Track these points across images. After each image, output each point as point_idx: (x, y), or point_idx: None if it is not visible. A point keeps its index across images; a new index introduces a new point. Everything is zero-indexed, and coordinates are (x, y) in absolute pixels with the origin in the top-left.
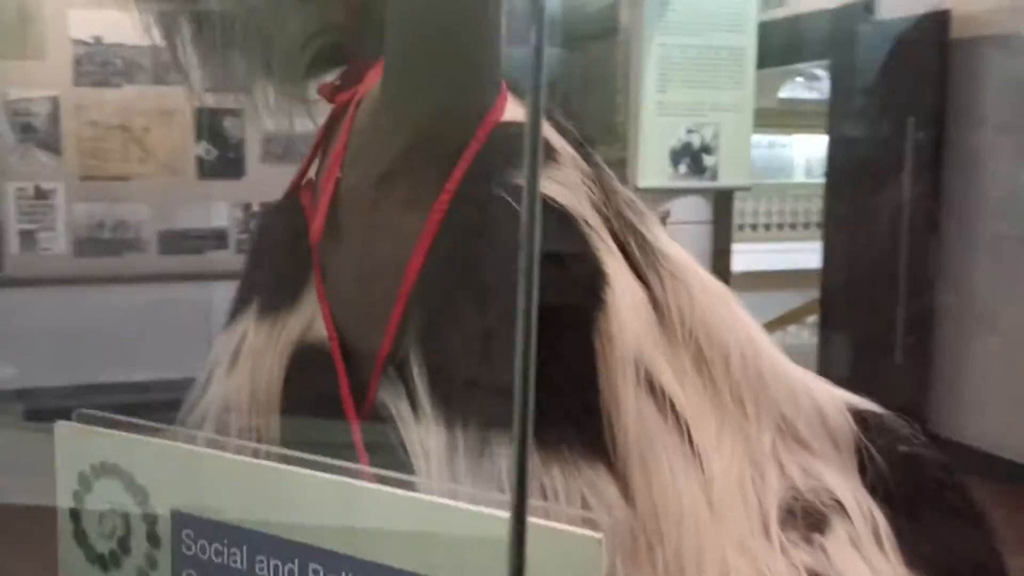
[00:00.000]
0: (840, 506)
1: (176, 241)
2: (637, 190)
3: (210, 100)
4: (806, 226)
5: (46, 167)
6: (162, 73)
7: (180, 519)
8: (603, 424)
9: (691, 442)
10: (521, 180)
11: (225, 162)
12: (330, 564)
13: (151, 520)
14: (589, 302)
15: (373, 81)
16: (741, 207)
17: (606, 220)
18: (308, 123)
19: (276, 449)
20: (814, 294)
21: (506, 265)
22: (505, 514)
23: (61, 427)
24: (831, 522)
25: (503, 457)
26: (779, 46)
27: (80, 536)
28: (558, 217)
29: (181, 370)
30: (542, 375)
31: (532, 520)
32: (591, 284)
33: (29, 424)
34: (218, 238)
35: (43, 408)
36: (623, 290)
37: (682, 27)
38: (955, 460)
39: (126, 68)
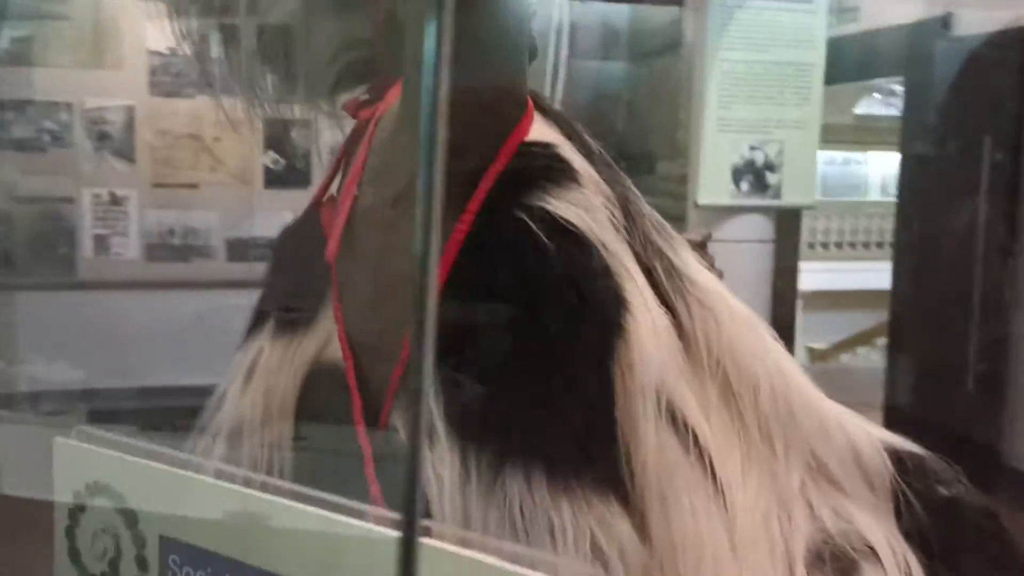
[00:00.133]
0: (872, 552)
1: (243, 249)
2: (697, 207)
3: (277, 112)
4: (880, 245)
5: (120, 174)
6: (232, 85)
7: (167, 545)
8: (619, 456)
9: (714, 477)
10: (545, 202)
11: (292, 172)
12: None
13: (140, 543)
14: (606, 329)
15: (394, 98)
16: (812, 225)
17: (631, 245)
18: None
19: (286, 484)
20: (886, 316)
21: (526, 290)
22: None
23: (59, 444)
24: (862, 568)
25: (515, 488)
26: (852, 62)
27: (74, 555)
28: (574, 242)
29: None
30: (554, 404)
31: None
32: (609, 311)
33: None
34: None
35: (105, 409)
36: (645, 317)
37: (747, 42)
38: None
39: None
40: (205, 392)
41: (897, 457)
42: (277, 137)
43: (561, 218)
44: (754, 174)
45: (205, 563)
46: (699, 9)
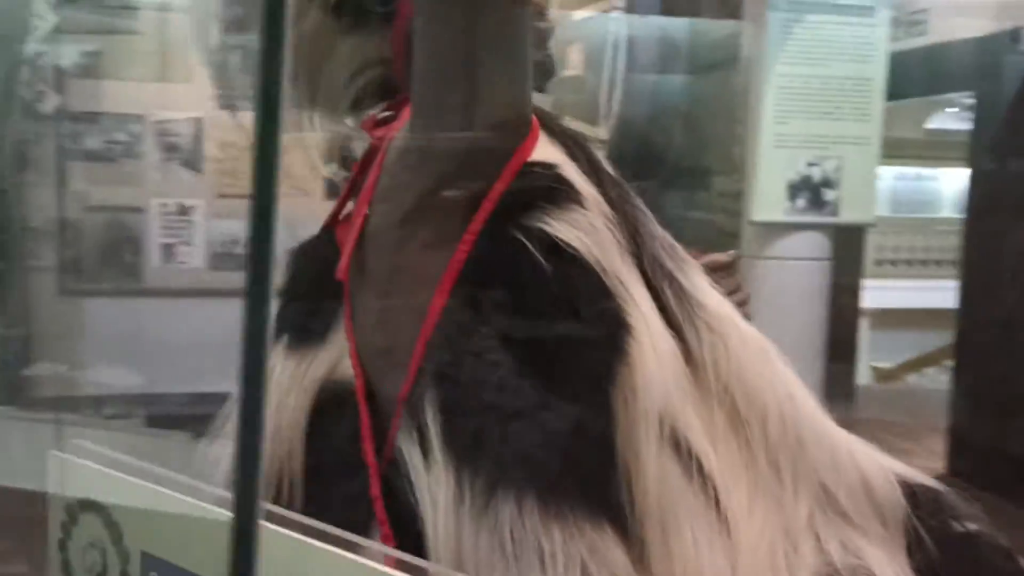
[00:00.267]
0: None
1: None
2: (751, 223)
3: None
4: (953, 263)
5: (187, 184)
6: (295, 98)
7: (148, 561)
8: (616, 483)
9: (719, 507)
10: (544, 224)
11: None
12: None
13: (124, 558)
14: (606, 354)
15: (406, 118)
16: (881, 242)
17: (639, 266)
18: None
19: (294, 515)
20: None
21: (522, 312)
22: None
23: (54, 458)
24: None
25: (507, 512)
26: (920, 76)
27: (66, 567)
28: (573, 264)
29: None
30: (549, 429)
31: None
32: (609, 335)
33: (146, 430)
34: None
35: (165, 415)
36: (650, 341)
37: (805, 56)
38: None
39: None
40: None
41: (911, 491)
42: (338, 149)
43: (560, 240)
44: (811, 191)
45: None
46: (757, 23)
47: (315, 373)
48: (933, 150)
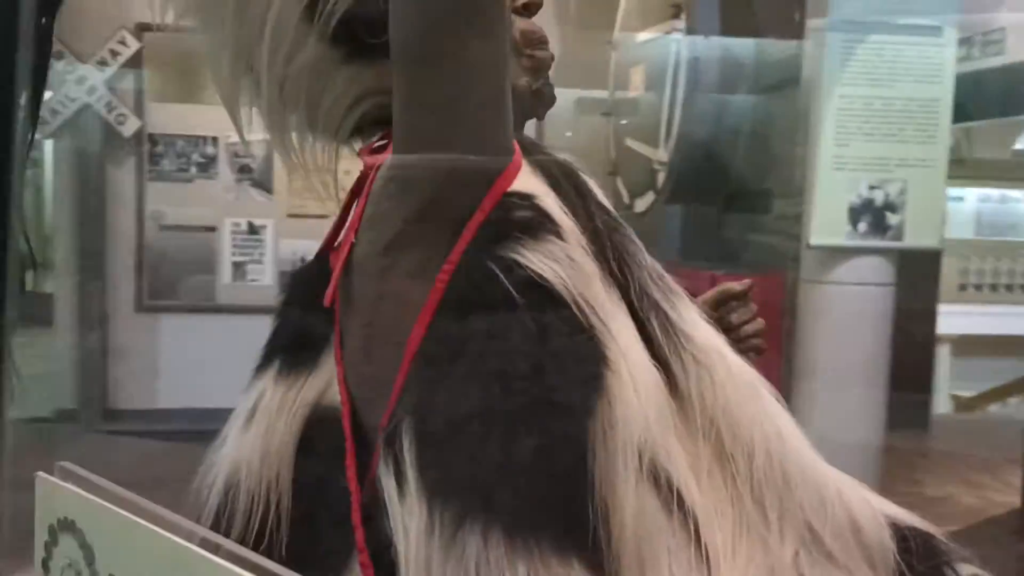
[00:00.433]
0: None
1: None
2: (809, 247)
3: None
4: None
5: (259, 204)
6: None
7: None
8: (587, 518)
9: (700, 543)
10: (519, 255)
11: None
12: None
13: None
14: (583, 387)
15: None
16: (964, 266)
17: (625, 297)
18: None
19: (236, 548)
20: None
21: (498, 344)
22: None
23: (40, 479)
24: None
25: (473, 545)
26: (1001, 96)
27: None
28: (546, 296)
29: None
30: (518, 462)
31: None
32: (586, 368)
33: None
34: None
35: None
36: (630, 373)
37: (867, 77)
38: None
39: None
40: None
41: (901, 534)
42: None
43: (533, 271)
44: (873, 214)
45: None
46: (818, 43)
47: (305, 398)
48: (1020, 171)
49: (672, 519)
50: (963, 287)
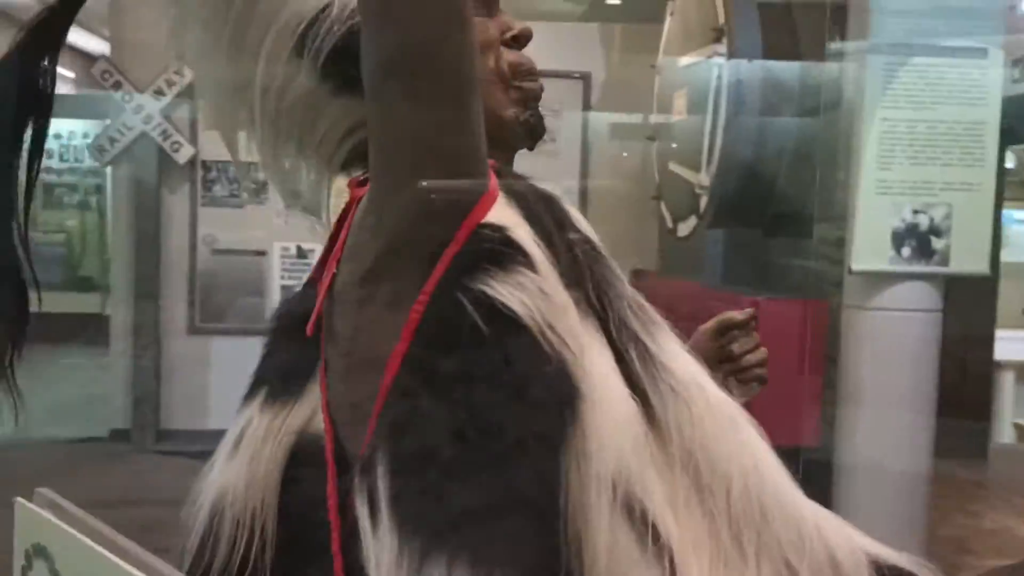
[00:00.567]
0: None
1: None
2: (851, 273)
3: (296, 185)
4: None
5: (307, 229)
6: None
7: None
8: (557, 552)
9: None
10: (487, 287)
11: None
12: None
13: None
14: (554, 419)
15: None
16: None
17: (603, 328)
18: None
19: None
20: None
21: (468, 376)
22: None
23: (19, 504)
24: None
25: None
26: None
27: None
28: (514, 328)
29: None
30: (485, 495)
31: None
32: (557, 400)
33: None
34: None
35: None
36: (604, 405)
37: (909, 100)
38: None
39: None
40: None
41: (881, 571)
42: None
43: (500, 303)
44: (917, 239)
45: None
46: (859, 66)
47: (291, 425)
48: None
49: (646, 552)
50: None
